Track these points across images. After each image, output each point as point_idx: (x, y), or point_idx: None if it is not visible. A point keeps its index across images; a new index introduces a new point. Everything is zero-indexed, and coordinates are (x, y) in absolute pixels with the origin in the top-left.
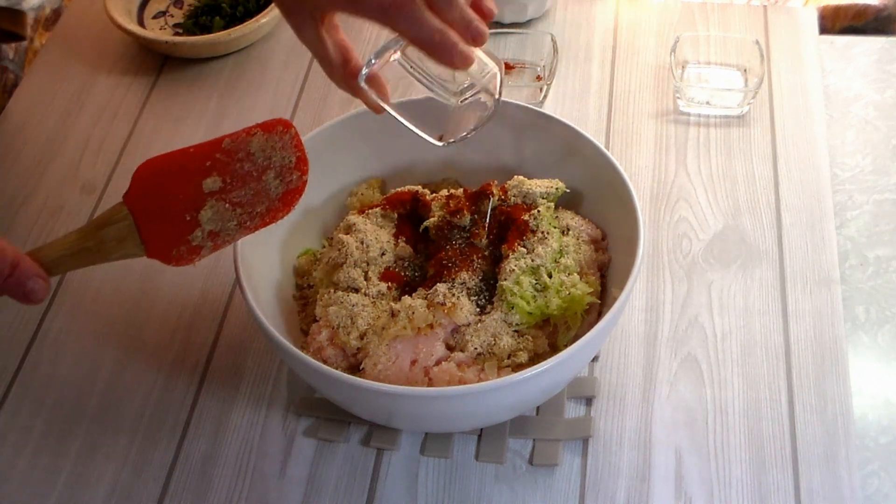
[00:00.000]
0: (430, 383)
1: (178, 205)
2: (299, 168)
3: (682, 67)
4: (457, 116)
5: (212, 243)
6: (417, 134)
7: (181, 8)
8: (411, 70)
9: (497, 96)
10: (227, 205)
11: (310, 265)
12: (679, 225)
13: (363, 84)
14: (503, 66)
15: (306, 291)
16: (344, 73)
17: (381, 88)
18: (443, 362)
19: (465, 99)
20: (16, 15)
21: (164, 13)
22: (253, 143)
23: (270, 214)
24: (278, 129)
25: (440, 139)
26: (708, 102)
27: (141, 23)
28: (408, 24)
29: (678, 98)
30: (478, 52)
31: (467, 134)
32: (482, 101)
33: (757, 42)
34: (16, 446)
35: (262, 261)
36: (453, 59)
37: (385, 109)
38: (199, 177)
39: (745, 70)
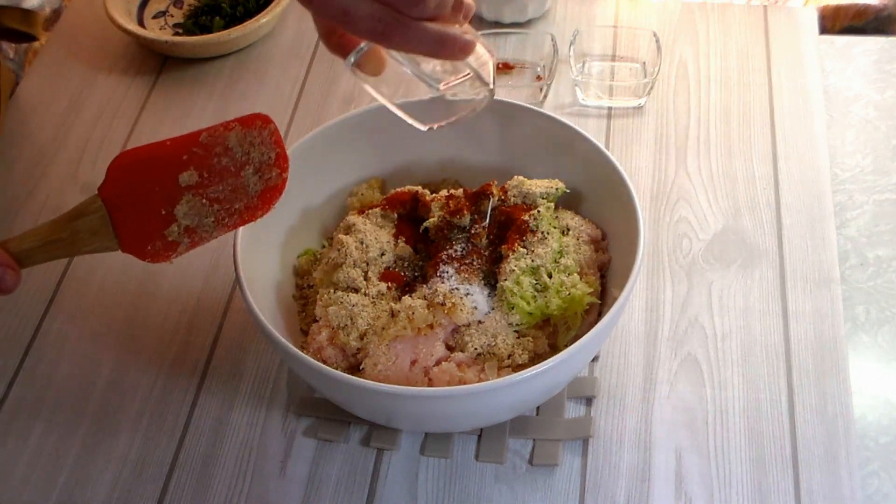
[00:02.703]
0: (430, 383)
1: (153, 198)
2: (279, 165)
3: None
4: (452, 107)
5: (188, 240)
6: (403, 119)
7: (181, 8)
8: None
9: (490, 84)
10: (204, 200)
11: (310, 265)
12: (679, 225)
13: (350, 69)
14: (494, 54)
15: (306, 291)
16: (331, 42)
17: (375, 63)
18: (443, 362)
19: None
20: (29, 15)
21: (163, 13)
22: (231, 138)
23: (249, 212)
24: (257, 124)
25: (425, 126)
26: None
27: (141, 23)
28: (402, 43)
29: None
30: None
31: (456, 119)
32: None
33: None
34: (16, 446)
35: (262, 261)
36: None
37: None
38: (175, 170)
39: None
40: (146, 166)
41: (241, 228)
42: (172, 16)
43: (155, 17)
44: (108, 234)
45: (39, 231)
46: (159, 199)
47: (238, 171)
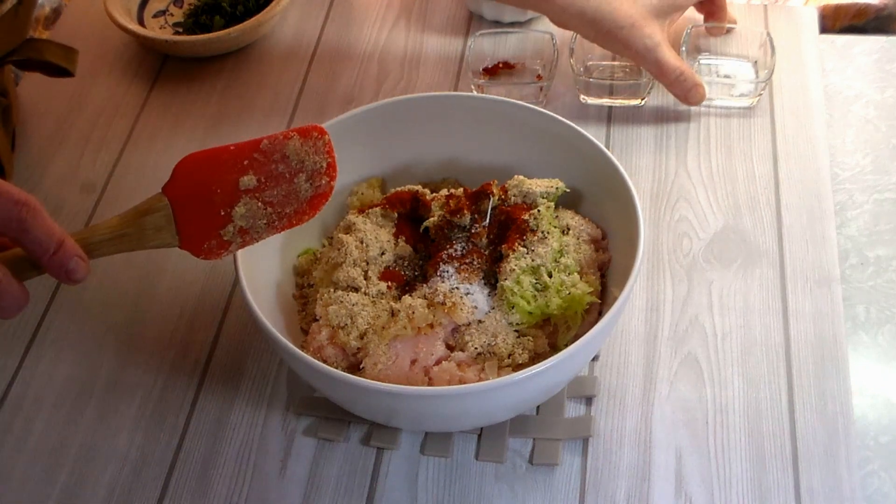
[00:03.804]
0: (430, 383)
1: (214, 199)
2: (329, 174)
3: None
4: None
5: (241, 239)
6: None
7: (181, 7)
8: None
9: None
10: (259, 203)
11: (310, 265)
12: (679, 224)
13: None
14: None
15: (306, 291)
16: None
17: None
18: (443, 362)
19: None
20: (69, 52)
21: (163, 12)
22: (289, 146)
23: (297, 216)
24: (314, 135)
25: None
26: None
27: (141, 21)
28: None
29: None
30: None
31: None
32: None
33: (768, 34)
34: (16, 446)
35: (262, 260)
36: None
37: None
38: (236, 174)
39: (755, 62)
40: (210, 169)
41: None
42: (172, 14)
43: (155, 16)
44: (171, 231)
45: (108, 225)
46: (220, 200)
47: (292, 178)
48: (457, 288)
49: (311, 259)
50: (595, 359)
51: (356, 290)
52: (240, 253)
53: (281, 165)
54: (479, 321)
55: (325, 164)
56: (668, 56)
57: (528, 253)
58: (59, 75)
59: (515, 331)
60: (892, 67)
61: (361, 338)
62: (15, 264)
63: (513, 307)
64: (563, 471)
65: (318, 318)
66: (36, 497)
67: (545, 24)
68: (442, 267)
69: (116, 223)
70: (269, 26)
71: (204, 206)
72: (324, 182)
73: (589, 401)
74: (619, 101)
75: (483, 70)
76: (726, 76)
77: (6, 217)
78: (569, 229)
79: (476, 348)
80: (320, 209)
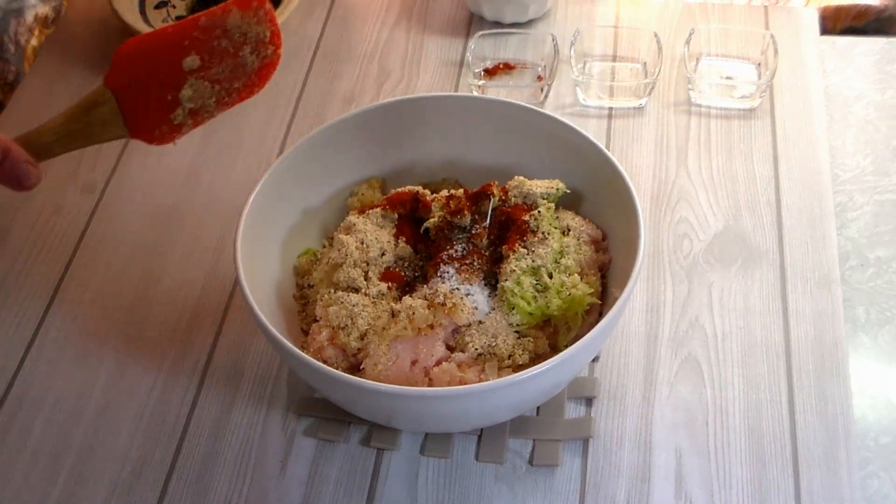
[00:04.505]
0: (431, 383)
1: (159, 85)
2: (273, 42)
3: (696, 60)
4: None
5: (192, 121)
6: None
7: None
8: None
9: None
10: (206, 82)
11: (310, 265)
12: (679, 225)
13: None
14: None
15: (306, 291)
16: None
17: None
18: (443, 362)
19: None
20: None
21: (166, 3)
22: (229, 20)
23: (247, 90)
24: (253, 5)
25: None
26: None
27: (143, 12)
28: None
29: (690, 90)
30: None
31: None
32: None
33: (771, 36)
34: (16, 446)
35: (262, 261)
36: None
37: None
38: (178, 56)
39: (758, 64)
40: (150, 54)
41: (241, 229)
42: (175, 6)
43: (157, 7)
44: (119, 123)
45: (53, 125)
46: (165, 85)
47: (237, 52)
48: (457, 289)
49: (312, 259)
50: (595, 360)
51: (356, 290)
52: (240, 253)
53: (223, 41)
54: (480, 322)
55: (268, 34)
56: None
57: (528, 254)
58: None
59: (516, 332)
60: (892, 69)
61: (362, 338)
62: None
63: (513, 308)
64: (564, 472)
65: (318, 318)
66: (36, 497)
67: (546, 25)
68: (442, 268)
69: (62, 122)
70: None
71: (149, 93)
72: (269, 51)
73: (589, 402)
74: (619, 101)
75: (483, 71)
76: (728, 77)
77: None
78: (569, 230)
79: (476, 349)
80: (269, 79)
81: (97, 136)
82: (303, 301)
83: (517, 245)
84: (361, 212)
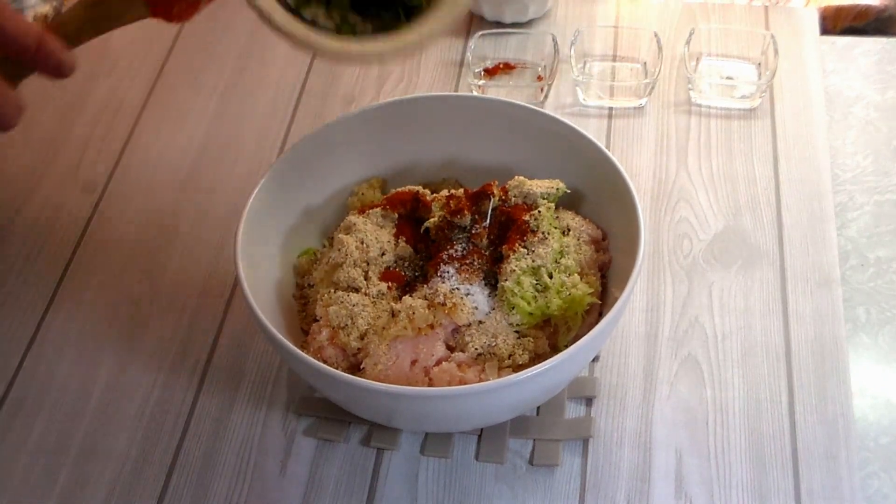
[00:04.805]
0: (431, 383)
1: None
2: None
3: (696, 60)
4: None
5: None
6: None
7: None
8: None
9: None
10: None
11: (310, 265)
12: (680, 225)
13: None
14: None
15: (306, 291)
16: None
17: None
18: (443, 362)
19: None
20: None
21: None
22: None
23: None
24: None
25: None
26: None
27: None
28: None
29: (690, 90)
30: None
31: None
32: None
33: (772, 36)
34: (16, 446)
35: (262, 260)
36: None
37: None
38: None
39: (758, 64)
40: None
41: (241, 228)
42: None
43: None
44: (141, 1)
45: (78, 10)
46: None
47: None
48: (457, 288)
49: (312, 259)
50: (595, 359)
51: (356, 290)
52: (240, 253)
53: None
54: (480, 322)
55: None
56: None
57: (528, 254)
58: None
59: (516, 331)
60: (892, 69)
61: (362, 338)
62: (3, 69)
63: (513, 308)
64: (564, 471)
65: (318, 318)
66: (36, 497)
67: (546, 25)
68: (442, 267)
69: (82, 7)
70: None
71: None
72: None
73: (589, 401)
74: (619, 101)
75: (483, 70)
76: (728, 77)
77: None
78: (569, 230)
79: (476, 349)
80: None
81: (121, 16)
82: (303, 301)
83: (517, 245)
84: (361, 212)
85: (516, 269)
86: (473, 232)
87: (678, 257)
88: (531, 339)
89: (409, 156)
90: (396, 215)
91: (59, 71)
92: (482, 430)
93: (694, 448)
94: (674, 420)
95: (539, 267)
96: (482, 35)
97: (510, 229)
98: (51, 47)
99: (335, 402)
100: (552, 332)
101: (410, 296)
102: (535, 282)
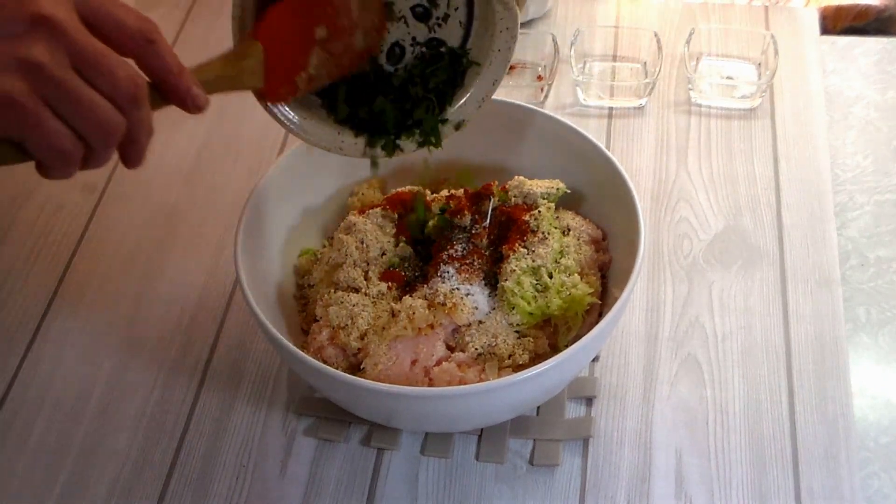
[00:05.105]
0: (431, 383)
1: (295, 48)
2: (380, 32)
3: (696, 59)
4: None
5: (307, 87)
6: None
7: None
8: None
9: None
10: (326, 54)
11: (310, 265)
12: (680, 225)
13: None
14: None
15: (306, 291)
16: None
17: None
18: (443, 362)
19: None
20: None
21: None
22: (353, 3)
23: (350, 68)
24: None
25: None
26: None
27: None
28: None
29: (690, 90)
30: None
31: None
32: None
33: (772, 36)
34: (16, 446)
35: (262, 260)
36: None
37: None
38: (312, 24)
39: (758, 64)
40: (293, 18)
41: (241, 228)
42: None
43: None
44: (260, 74)
45: (214, 66)
46: (300, 48)
47: (352, 31)
48: (457, 288)
49: (312, 259)
50: (595, 359)
51: (357, 290)
52: (240, 253)
53: (345, 20)
54: (480, 322)
55: (377, 21)
56: None
57: (528, 254)
58: None
59: (516, 331)
60: (892, 69)
61: (362, 338)
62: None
63: (513, 308)
64: (564, 471)
65: (318, 318)
66: (36, 497)
67: (546, 25)
68: (442, 268)
69: (220, 65)
70: None
71: (285, 53)
72: (374, 39)
73: (589, 401)
74: (620, 101)
75: None
76: (728, 77)
77: (138, 30)
78: (569, 230)
79: (476, 349)
80: (365, 61)
81: (243, 83)
82: (303, 301)
83: (517, 245)
84: (361, 212)
85: (516, 269)
86: (474, 232)
87: (678, 257)
88: (531, 339)
89: (409, 156)
90: (396, 215)
91: (193, 103)
92: (482, 430)
93: (694, 448)
94: (674, 420)
95: (539, 267)
96: None
97: (510, 229)
98: (190, 81)
99: (335, 402)
100: (552, 332)
101: (410, 296)
102: (535, 282)
